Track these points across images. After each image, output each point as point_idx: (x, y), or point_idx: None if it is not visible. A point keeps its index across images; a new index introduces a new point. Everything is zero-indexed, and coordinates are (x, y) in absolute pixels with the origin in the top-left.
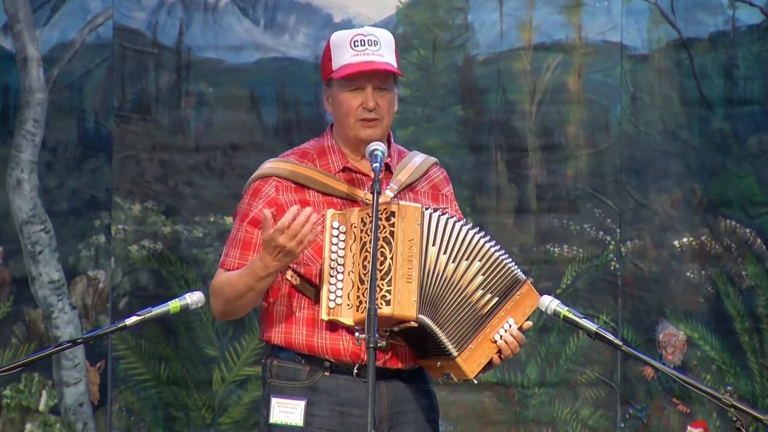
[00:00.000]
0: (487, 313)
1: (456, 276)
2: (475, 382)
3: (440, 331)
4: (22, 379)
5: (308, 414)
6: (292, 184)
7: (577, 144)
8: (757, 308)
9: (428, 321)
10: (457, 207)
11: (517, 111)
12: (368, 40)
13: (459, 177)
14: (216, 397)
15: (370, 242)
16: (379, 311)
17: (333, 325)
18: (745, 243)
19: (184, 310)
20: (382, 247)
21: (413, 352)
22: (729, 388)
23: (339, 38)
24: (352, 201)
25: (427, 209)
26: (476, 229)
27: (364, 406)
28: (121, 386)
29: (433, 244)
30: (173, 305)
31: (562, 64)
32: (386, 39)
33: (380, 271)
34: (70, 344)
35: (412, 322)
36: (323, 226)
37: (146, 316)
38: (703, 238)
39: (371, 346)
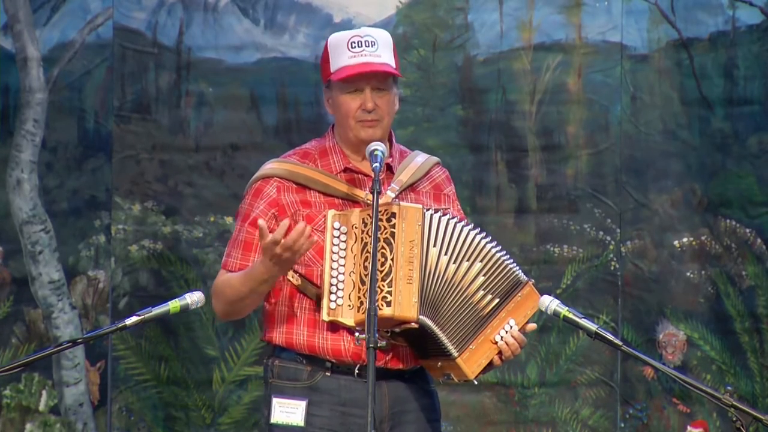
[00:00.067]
0: (488, 314)
1: (457, 277)
2: (476, 382)
3: (441, 332)
4: (22, 379)
5: (309, 414)
6: (294, 185)
7: (577, 144)
8: (757, 308)
9: (429, 322)
10: (459, 207)
11: (517, 111)
12: (365, 41)
13: (459, 177)
14: (216, 397)
15: (371, 243)
16: (379, 312)
17: (334, 326)
18: (745, 243)
19: (184, 310)
20: (382, 248)
21: (414, 353)
22: (729, 388)
23: (336, 40)
24: (353, 201)
25: (428, 210)
26: (477, 230)
27: (365, 406)
28: (121, 386)
29: (434, 245)
30: (173, 305)
31: (562, 64)
32: (384, 39)
33: (381, 272)
34: (70, 344)
35: (413, 323)
36: (324, 227)
37: (146, 316)
38: (703, 238)
39: (371, 346)
